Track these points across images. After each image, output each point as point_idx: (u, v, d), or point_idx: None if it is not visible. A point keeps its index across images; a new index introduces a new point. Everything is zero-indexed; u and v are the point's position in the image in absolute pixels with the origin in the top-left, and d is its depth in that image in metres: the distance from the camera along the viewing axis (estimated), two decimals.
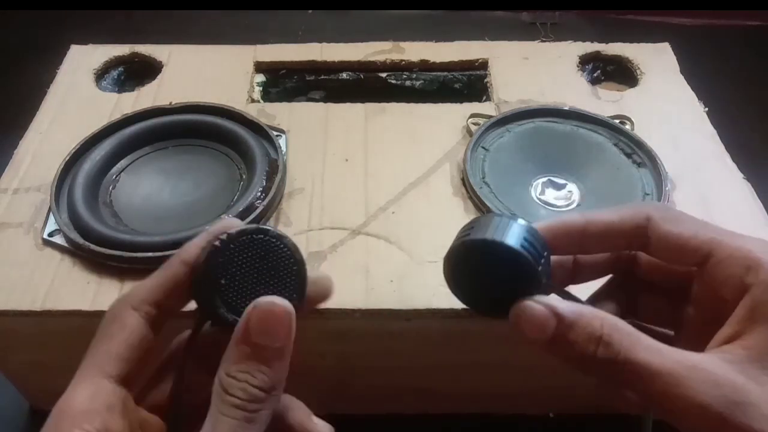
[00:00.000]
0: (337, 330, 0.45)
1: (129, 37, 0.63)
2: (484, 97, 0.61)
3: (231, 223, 0.31)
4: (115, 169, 0.52)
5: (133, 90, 0.60)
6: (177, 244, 0.44)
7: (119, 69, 0.64)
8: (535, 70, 0.61)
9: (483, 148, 0.53)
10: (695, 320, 0.33)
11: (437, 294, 0.44)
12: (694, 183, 0.51)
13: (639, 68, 0.62)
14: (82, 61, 0.62)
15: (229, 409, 0.27)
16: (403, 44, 0.65)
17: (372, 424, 0.54)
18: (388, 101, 0.58)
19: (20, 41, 0.91)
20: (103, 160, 0.51)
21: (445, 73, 0.64)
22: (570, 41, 0.65)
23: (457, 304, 0.43)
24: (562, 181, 0.52)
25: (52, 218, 0.48)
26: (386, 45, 0.65)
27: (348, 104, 0.58)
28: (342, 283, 0.44)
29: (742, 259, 0.30)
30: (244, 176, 0.51)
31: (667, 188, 0.49)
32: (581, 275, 0.37)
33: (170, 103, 0.56)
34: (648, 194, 0.50)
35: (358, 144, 0.54)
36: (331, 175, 0.52)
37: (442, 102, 0.58)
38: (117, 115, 0.55)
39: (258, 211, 0.47)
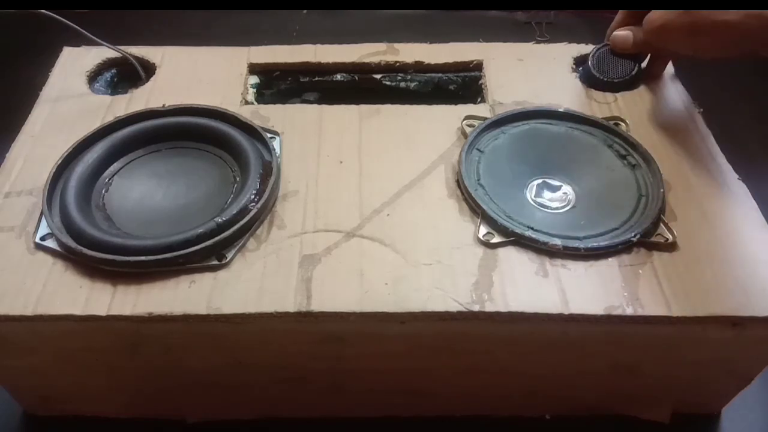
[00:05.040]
0: (332, 333, 0.45)
1: (122, 39, 0.63)
2: (479, 99, 0.61)
3: None
4: (107, 172, 0.52)
5: (126, 92, 0.59)
6: (170, 248, 0.44)
7: (112, 71, 0.63)
8: (529, 72, 0.61)
9: (478, 149, 0.53)
10: None
11: (432, 296, 0.44)
12: (689, 184, 0.51)
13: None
14: (75, 63, 0.62)
15: None
16: (397, 46, 0.65)
17: (367, 426, 0.54)
18: (382, 103, 0.58)
19: (12, 43, 0.91)
20: (96, 163, 0.51)
21: (440, 75, 0.64)
22: (565, 42, 0.65)
23: (452, 306, 0.43)
24: (557, 183, 0.52)
25: (44, 222, 0.47)
26: (381, 46, 0.65)
27: (342, 106, 0.58)
28: (336, 286, 0.44)
29: None
30: (237, 179, 0.51)
31: (661, 189, 0.49)
32: None
33: (163, 106, 0.56)
34: (643, 195, 0.50)
35: (353, 146, 0.54)
36: (326, 177, 0.52)
37: (437, 104, 0.58)
38: (110, 118, 0.55)
39: (252, 213, 0.47)
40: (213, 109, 0.55)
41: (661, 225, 0.47)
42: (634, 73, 0.59)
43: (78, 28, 0.57)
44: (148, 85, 0.60)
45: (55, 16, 0.56)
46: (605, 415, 0.54)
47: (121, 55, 0.62)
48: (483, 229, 0.47)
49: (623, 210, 0.49)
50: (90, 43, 0.60)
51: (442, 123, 0.56)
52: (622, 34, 0.59)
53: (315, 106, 0.58)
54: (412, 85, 0.64)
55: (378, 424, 0.54)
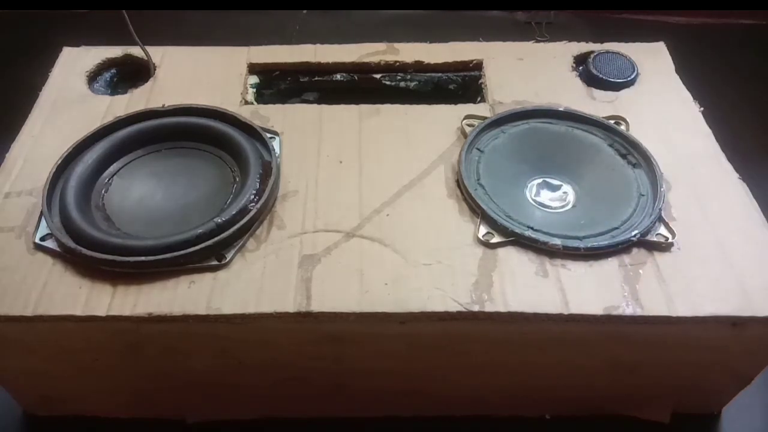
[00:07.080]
0: (332, 333, 0.45)
1: (122, 39, 0.62)
2: (479, 98, 0.60)
3: None
4: (107, 173, 0.52)
5: (125, 92, 0.59)
6: (170, 248, 0.44)
7: (112, 71, 0.63)
8: (529, 71, 0.61)
9: (478, 149, 0.53)
10: None
11: (432, 296, 0.44)
12: (689, 183, 0.51)
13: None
14: (75, 63, 0.62)
15: None
16: (397, 45, 0.65)
17: (367, 426, 0.54)
18: (382, 102, 0.58)
19: (12, 43, 0.91)
20: (96, 164, 0.51)
21: (440, 74, 0.64)
22: (564, 41, 0.65)
23: (452, 306, 0.43)
24: (557, 182, 0.52)
25: (43, 222, 0.47)
26: (380, 46, 0.64)
27: (342, 106, 0.58)
28: (336, 286, 0.44)
29: None
30: (237, 179, 0.51)
31: (662, 188, 0.49)
32: None
33: (163, 106, 0.56)
34: (643, 195, 0.50)
35: (353, 146, 0.54)
36: (325, 177, 0.52)
37: (437, 103, 0.58)
38: (109, 118, 0.55)
39: (251, 214, 0.47)
40: (213, 109, 0.55)
41: (661, 225, 0.47)
42: (633, 75, 0.60)
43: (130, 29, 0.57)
44: (148, 85, 0.60)
45: (126, 18, 0.56)
46: (605, 415, 0.54)
47: (121, 54, 0.62)
48: (483, 229, 0.47)
49: (623, 209, 0.49)
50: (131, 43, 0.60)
51: (441, 123, 0.56)
52: None
53: (315, 106, 0.58)
54: (412, 84, 0.64)
55: (378, 424, 0.54)
